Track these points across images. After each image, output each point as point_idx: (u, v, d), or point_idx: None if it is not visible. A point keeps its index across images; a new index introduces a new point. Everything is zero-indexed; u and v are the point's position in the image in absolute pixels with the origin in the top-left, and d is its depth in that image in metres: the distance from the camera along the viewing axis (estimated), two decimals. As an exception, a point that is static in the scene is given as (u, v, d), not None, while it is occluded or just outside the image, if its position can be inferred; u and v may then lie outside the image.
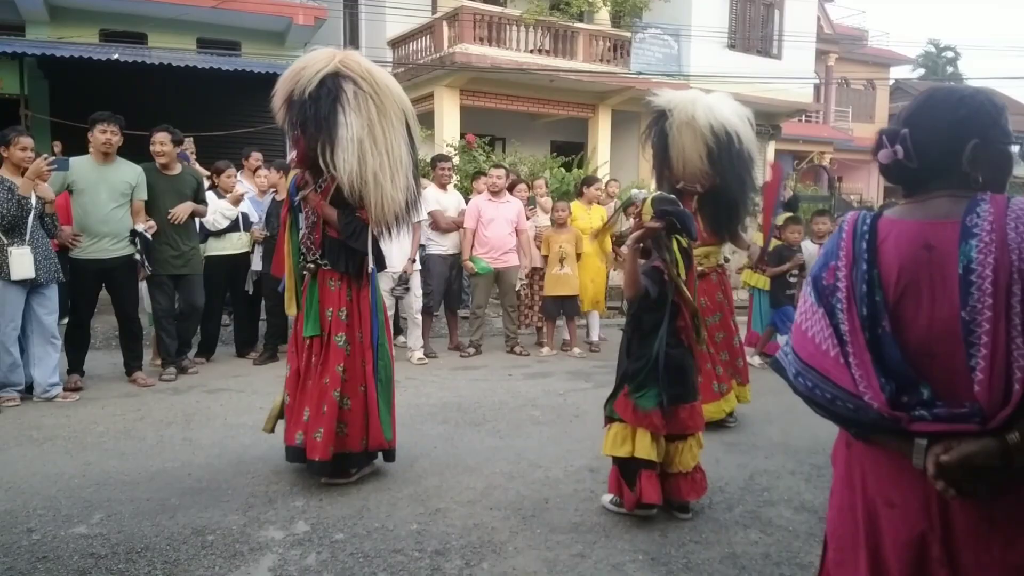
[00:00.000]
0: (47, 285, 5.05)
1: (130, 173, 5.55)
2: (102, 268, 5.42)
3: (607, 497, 3.42)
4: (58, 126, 9.83)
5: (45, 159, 5.01)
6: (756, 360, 7.08)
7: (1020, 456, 1.26)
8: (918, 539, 1.38)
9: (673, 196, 3.56)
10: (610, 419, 3.34)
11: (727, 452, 4.30)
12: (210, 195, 6.37)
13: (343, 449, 3.58)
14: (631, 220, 3.53)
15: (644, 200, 3.40)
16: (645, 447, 3.20)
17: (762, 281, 7.07)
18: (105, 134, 5.35)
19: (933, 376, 1.34)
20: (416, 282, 6.78)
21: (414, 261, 6.72)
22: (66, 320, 5.65)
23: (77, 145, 6.65)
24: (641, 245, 3.33)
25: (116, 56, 9.63)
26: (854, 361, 1.38)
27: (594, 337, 7.72)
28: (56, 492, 3.50)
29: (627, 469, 3.26)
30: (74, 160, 5.45)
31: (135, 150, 6.27)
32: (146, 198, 5.62)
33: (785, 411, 5.19)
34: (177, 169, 5.90)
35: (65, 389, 5.26)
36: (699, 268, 4.24)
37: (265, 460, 3.98)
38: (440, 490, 3.61)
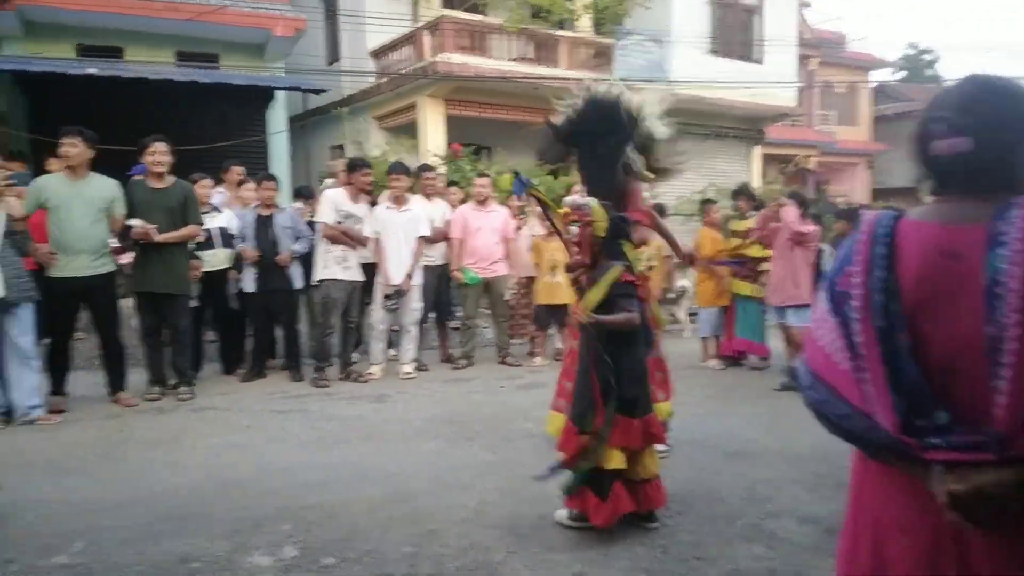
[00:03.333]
0: (19, 305, 4.91)
1: (106, 188, 5.40)
2: (80, 287, 5.27)
3: (562, 512, 3.29)
4: (39, 143, 9.65)
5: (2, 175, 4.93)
6: (713, 363, 7.15)
7: None
8: (930, 564, 1.30)
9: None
10: (584, 432, 3.18)
11: (726, 462, 4.22)
12: None
13: None
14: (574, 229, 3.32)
15: (592, 207, 3.24)
16: (615, 457, 3.12)
17: (747, 288, 6.98)
18: (64, 147, 5.24)
19: (954, 395, 1.23)
20: (415, 294, 6.66)
21: (411, 276, 6.57)
22: (47, 341, 5.49)
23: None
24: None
25: (92, 70, 9.48)
26: (867, 376, 1.27)
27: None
28: (36, 519, 3.37)
29: (598, 481, 3.15)
30: (45, 177, 5.37)
31: (118, 164, 6.19)
32: (124, 213, 5.45)
33: (780, 416, 5.14)
34: (167, 182, 5.73)
35: (48, 411, 5.12)
36: None
37: (252, 481, 3.87)
38: (433, 509, 3.51)
